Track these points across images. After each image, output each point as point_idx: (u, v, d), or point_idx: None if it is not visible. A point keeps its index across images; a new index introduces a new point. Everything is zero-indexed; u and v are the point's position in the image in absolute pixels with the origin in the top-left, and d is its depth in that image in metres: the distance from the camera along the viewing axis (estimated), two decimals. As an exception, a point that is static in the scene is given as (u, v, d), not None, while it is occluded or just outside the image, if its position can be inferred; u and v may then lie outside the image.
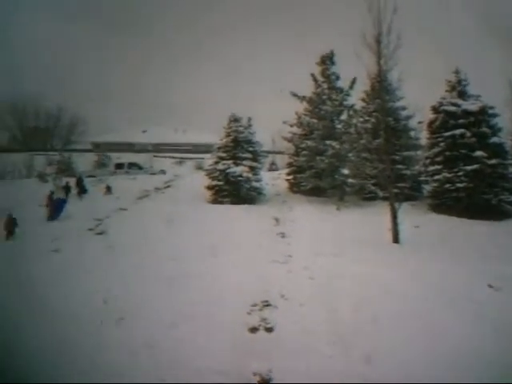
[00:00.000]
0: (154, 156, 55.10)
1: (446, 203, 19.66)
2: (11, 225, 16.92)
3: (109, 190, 26.62)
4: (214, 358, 6.82)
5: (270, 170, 30.66)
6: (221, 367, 6.58)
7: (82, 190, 25.96)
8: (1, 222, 16.98)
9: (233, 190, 22.63)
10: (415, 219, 17.25)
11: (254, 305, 9.13)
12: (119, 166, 40.93)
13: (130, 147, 62.55)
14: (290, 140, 25.40)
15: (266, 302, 9.29)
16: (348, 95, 24.13)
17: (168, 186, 29.42)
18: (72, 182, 26.41)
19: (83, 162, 47.01)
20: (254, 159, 24.57)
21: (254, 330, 8.03)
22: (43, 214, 19.72)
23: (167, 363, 6.76)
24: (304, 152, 23.84)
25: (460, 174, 19.24)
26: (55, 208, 20.07)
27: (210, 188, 23.35)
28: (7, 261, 12.38)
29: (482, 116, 20.22)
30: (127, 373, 6.53)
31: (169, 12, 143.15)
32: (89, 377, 6.39)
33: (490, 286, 9.88)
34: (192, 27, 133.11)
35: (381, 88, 16.65)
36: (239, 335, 7.72)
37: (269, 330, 8.04)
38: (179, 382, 6.26)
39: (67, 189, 24.79)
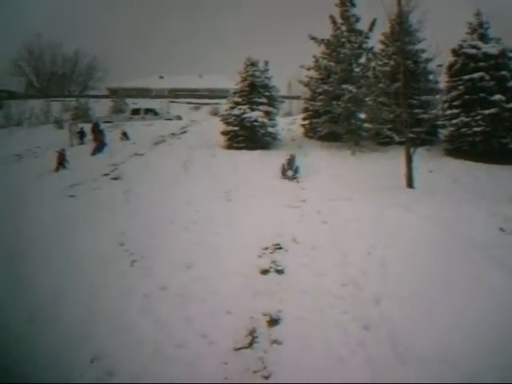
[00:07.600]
0: (171, 102, 54.52)
1: (462, 148, 19.16)
2: (62, 159, 18.90)
3: (125, 135, 26.35)
4: (224, 299, 7.06)
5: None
6: (231, 307, 6.82)
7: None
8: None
9: (248, 136, 22.34)
10: (430, 164, 17.08)
11: (266, 248, 9.30)
12: (135, 111, 40.49)
13: (146, 93, 61.98)
14: (306, 84, 24.77)
15: (278, 245, 9.46)
16: (368, 37, 23.25)
17: (184, 132, 29.22)
18: (88, 127, 26.45)
19: (100, 108, 46.85)
20: (270, 104, 24.12)
21: (264, 272, 8.22)
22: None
23: (178, 304, 7.02)
24: (320, 97, 23.34)
25: (477, 117, 18.67)
26: (99, 145, 22.72)
27: (225, 133, 23.10)
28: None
29: (502, 59, 19.45)
30: (139, 314, 6.82)
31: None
32: (101, 318, 6.69)
33: (502, 230, 9.88)
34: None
35: (401, 30, 16.12)
36: (250, 277, 7.92)
37: (279, 272, 8.22)
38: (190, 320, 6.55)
39: (82, 134, 25.09)
